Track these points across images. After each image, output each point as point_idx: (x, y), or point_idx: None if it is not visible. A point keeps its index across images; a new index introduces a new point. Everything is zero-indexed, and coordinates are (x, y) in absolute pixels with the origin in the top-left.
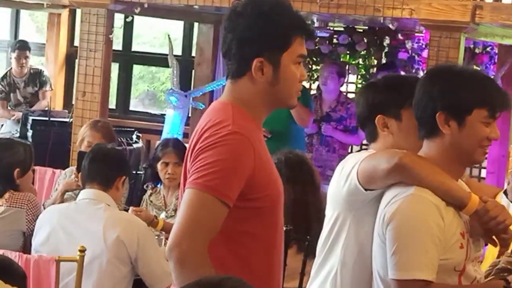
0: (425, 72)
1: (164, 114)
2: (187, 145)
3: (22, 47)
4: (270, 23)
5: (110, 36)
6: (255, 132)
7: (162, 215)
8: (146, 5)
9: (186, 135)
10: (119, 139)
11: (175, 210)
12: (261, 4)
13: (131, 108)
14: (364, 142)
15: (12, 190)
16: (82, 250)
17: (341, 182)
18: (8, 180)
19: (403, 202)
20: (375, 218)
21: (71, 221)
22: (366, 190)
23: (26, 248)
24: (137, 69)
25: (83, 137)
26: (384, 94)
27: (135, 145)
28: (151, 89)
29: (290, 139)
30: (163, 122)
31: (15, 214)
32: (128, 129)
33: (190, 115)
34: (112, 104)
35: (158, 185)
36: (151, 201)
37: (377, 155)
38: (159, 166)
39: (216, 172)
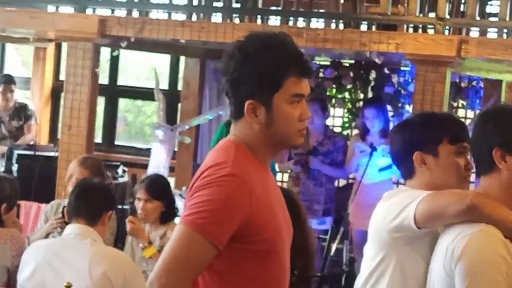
0: (478, 113)
1: (150, 148)
2: (171, 180)
3: (7, 81)
4: (258, 65)
5: (97, 70)
6: (257, 173)
7: (141, 245)
8: (132, 39)
9: (172, 169)
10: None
11: (160, 251)
12: (249, 45)
13: (116, 142)
14: (351, 176)
15: None
16: (68, 286)
17: (388, 218)
18: None
19: (473, 237)
20: (422, 256)
21: (57, 256)
22: (418, 228)
23: (10, 284)
24: (122, 103)
25: (71, 174)
26: (420, 131)
27: (120, 179)
28: (136, 122)
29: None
30: (148, 156)
31: None
32: (114, 163)
33: (176, 149)
34: (97, 138)
35: None
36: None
37: (441, 196)
38: (135, 201)
39: (206, 211)
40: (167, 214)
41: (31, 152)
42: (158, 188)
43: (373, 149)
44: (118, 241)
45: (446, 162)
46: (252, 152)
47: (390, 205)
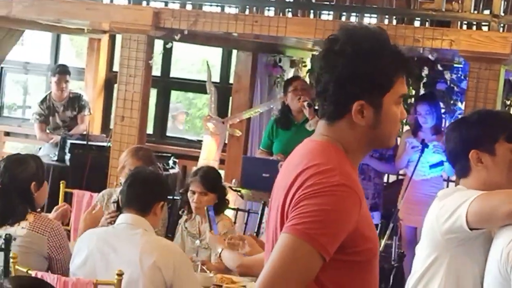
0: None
1: (201, 140)
2: (221, 172)
3: (62, 72)
4: (372, 64)
5: (150, 62)
6: (356, 178)
7: (197, 242)
8: (186, 32)
9: (222, 162)
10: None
11: None
12: (361, 42)
13: (168, 134)
14: (401, 172)
15: (36, 213)
16: (120, 274)
17: (441, 219)
18: (25, 197)
19: None
20: (475, 258)
21: (109, 245)
22: (471, 229)
23: (53, 271)
24: (174, 95)
25: (124, 165)
26: (477, 129)
27: (171, 171)
28: (188, 114)
29: None
30: (199, 148)
31: (35, 240)
32: (165, 154)
33: (227, 141)
34: (149, 129)
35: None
36: (185, 228)
37: (492, 196)
38: (188, 194)
39: (318, 222)
40: (219, 206)
41: (84, 142)
42: (213, 181)
43: (425, 145)
44: (168, 232)
45: (503, 161)
46: (347, 154)
47: (444, 205)
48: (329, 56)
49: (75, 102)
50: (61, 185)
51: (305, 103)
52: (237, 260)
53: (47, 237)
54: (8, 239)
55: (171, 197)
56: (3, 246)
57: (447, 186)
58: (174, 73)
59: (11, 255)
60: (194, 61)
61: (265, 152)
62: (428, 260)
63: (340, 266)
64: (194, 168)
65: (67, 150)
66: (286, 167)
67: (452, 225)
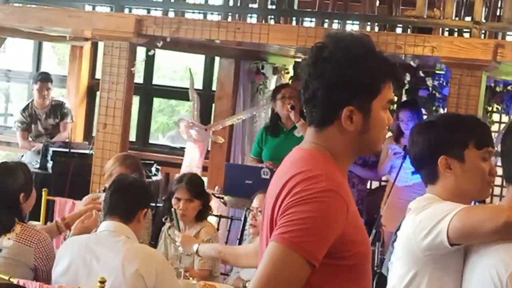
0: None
1: (183, 147)
2: (204, 179)
3: (44, 79)
4: (361, 69)
5: (132, 69)
6: (344, 183)
7: (180, 249)
8: (168, 39)
9: (205, 169)
10: None
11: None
12: (350, 49)
13: (150, 141)
14: (384, 178)
15: (22, 224)
16: (102, 282)
17: (419, 235)
18: (13, 207)
19: None
20: (454, 272)
21: (91, 252)
22: (451, 245)
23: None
24: (156, 102)
25: (111, 173)
26: (446, 134)
27: (154, 178)
28: (170, 122)
29: None
30: (182, 155)
31: (22, 251)
32: (148, 161)
33: (209, 148)
34: (132, 137)
35: None
36: (169, 235)
37: (475, 211)
38: (173, 200)
39: (305, 230)
40: (203, 213)
41: (66, 150)
42: (198, 188)
43: (407, 151)
44: (151, 239)
45: (471, 167)
46: (335, 160)
47: (421, 220)
48: (317, 63)
49: (57, 110)
50: (43, 192)
51: (289, 106)
52: (216, 248)
53: (34, 249)
54: None
55: (154, 205)
56: None
57: None
58: (157, 80)
59: None
60: (176, 68)
61: (256, 160)
62: (407, 277)
63: (330, 271)
64: (177, 175)
65: (49, 158)
66: (276, 175)
67: (431, 242)
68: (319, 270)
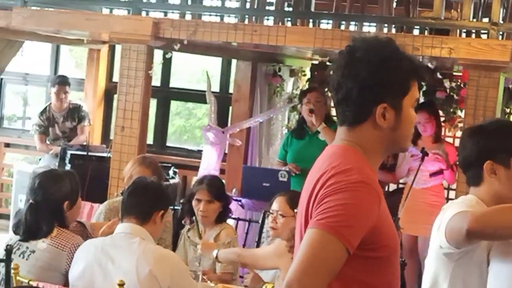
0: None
1: (201, 150)
2: (224, 181)
3: (62, 83)
4: (393, 69)
5: (150, 72)
6: (376, 178)
7: (199, 251)
8: (185, 42)
9: (222, 171)
10: None
11: None
12: (382, 50)
13: (168, 144)
14: (402, 181)
15: (60, 227)
16: (121, 284)
17: (437, 234)
18: (57, 215)
19: None
20: (476, 268)
21: (106, 255)
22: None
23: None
24: (173, 105)
25: (131, 175)
26: (495, 139)
27: (171, 181)
28: (187, 125)
29: None
30: (199, 158)
31: (54, 255)
32: (165, 164)
33: (227, 151)
34: (149, 140)
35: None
36: (188, 237)
37: (462, 213)
38: (193, 202)
39: (341, 215)
40: (223, 215)
41: (84, 153)
42: (219, 189)
43: (425, 153)
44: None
45: None
46: (367, 157)
47: (443, 219)
48: (351, 63)
49: (75, 113)
50: None
51: (308, 110)
52: (235, 251)
53: (66, 253)
54: (9, 250)
55: (171, 208)
56: (4, 257)
57: (448, 195)
58: (174, 83)
59: (12, 266)
60: (193, 71)
61: (281, 163)
62: (431, 271)
63: (361, 263)
64: (195, 178)
65: (67, 161)
66: (310, 173)
67: (441, 244)
68: (350, 261)
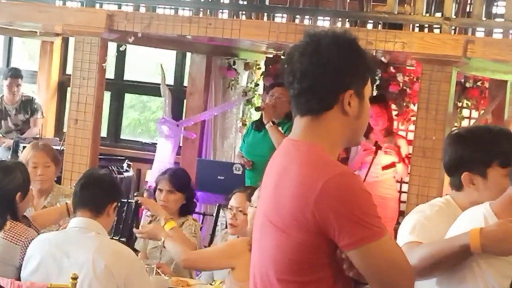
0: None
1: (155, 143)
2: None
3: (14, 75)
4: (358, 56)
5: (103, 64)
6: None
7: (161, 242)
8: (140, 35)
9: (177, 164)
10: (110, 168)
11: None
12: (346, 38)
13: (122, 137)
14: None
15: (12, 220)
16: (75, 278)
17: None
18: (9, 207)
19: None
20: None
21: (61, 250)
22: None
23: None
24: (128, 98)
25: (27, 160)
26: (472, 150)
27: (125, 174)
28: (141, 118)
29: None
30: (153, 151)
31: (8, 249)
32: (119, 157)
33: (181, 144)
34: (103, 133)
35: None
36: None
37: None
38: (156, 192)
39: (367, 220)
40: (186, 207)
41: None
42: (181, 181)
43: (378, 147)
44: (122, 235)
45: (494, 185)
46: (329, 151)
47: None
48: (320, 50)
49: (28, 106)
50: None
51: (261, 105)
52: (181, 253)
53: (20, 247)
54: None
55: (125, 200)
56: None
57: (400, 188)
58: (128, 76)
59: None
60: (147, 64)
61: (241, 154)
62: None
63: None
64: (149, 171)
65: (19, 154)
66: (271, 170)
67: None
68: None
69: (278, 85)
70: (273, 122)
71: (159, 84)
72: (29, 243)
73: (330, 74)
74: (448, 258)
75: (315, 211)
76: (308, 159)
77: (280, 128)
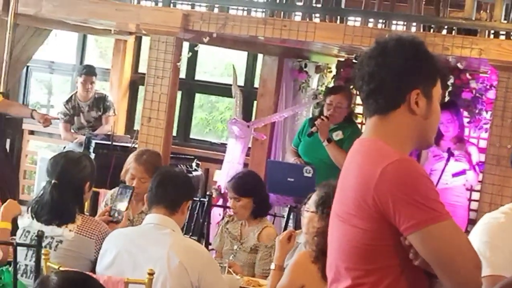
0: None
1: (223, 143)
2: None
3: (89, 73)
4: (425, 58)
5: (178, 64)
6: None
7: (235, 246)
8: (214, 35)
9: (246, 165)
10: (179, 166)
11: (252, 248)
12: (412, 41)
13: (191, 136)
14: None
15: (84, 215)
16: (151, 273)
17: None
18: (78, 196)
19: None
20: None
21: (136, 245)
22: None
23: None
24: (197, 98)
25: (127, 168)
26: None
27: (194, 173)
28: (209, 118)
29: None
30: (221, 151)
31: (83, 244)
32: (188, 156)
33: (250, 145)
34: (173, 131)
35: None
36: (227, 229)
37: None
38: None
39: (426, 204)
40: (259, 210)
41: (109, 142)
42: (246, 186)
43: (451, 154)
44: (194, 234)
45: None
46: (396, 149)
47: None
48: (385, 53)
49: (100, 103)
50: None
51: (313, 129)
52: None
53: (94, 240)
54: (40, 236)
55: (195, 199)
56: (35, 243)
57: (470, 196)
58: (198, 76)
59: (42, 251)
60: (216, 64)
61: (295, 150)
62: None
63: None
64: (218, 171)
65: (91, 150)
66: (348, 169)
67: None
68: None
69: (335, 93)
70: (329, 140)
71: (228, 85)
72: (103, 236)
73: (396, 74)
74: None
75: (375, 196)
76: (369, 151)
77: (341, 132)
